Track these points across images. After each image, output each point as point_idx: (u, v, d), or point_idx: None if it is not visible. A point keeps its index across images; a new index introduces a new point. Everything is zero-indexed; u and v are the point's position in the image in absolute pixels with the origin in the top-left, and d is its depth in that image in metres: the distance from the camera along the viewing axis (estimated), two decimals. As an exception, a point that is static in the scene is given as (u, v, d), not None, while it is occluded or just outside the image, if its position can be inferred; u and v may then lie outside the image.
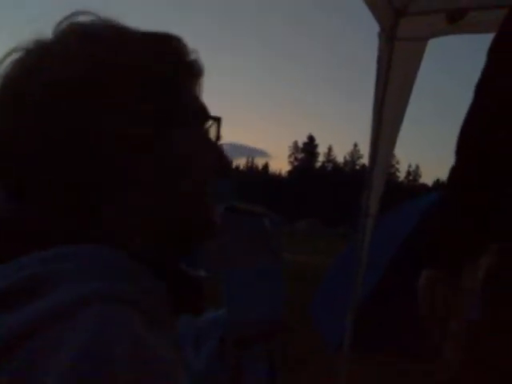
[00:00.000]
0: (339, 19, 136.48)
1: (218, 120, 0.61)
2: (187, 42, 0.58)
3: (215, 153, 0.61)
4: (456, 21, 2.51)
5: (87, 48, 0.53)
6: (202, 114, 0.61)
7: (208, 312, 2.15)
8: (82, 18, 0.56)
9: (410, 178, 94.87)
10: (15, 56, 0.55)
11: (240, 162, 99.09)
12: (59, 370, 0.38)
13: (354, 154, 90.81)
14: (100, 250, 0.49)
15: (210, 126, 0.61)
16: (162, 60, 0.56)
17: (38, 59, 0.53)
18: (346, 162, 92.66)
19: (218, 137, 0.62)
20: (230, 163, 0.62)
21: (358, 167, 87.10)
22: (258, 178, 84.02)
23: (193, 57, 0.58)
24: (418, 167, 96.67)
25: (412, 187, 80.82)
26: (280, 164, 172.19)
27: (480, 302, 1.40)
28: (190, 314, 0.61)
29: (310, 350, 4.73)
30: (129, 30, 0.57)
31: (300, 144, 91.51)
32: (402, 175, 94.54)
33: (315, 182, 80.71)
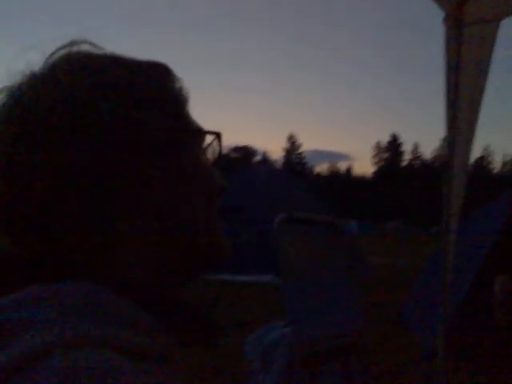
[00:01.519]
0: (414, 11, 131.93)
1: (218, 135, 0.59)
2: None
3: (209, 175, 0.58)
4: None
5: (81, 80, 0.50)
6: (200, 133, 0.58)
7: (277, 327, 2.10)
8: (78, 48, 0.54)
9: (507, 168, 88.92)
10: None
11: (322, 167, 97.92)
12: None
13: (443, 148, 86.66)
14: (79, 288, 0.45)
15: (211, 144, 0.59)
16: (158, 85, 0.54)
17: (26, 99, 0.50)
18: (434, 158, 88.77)
19: (220, 152, 0.60)
20: (222, 185, 0.59)
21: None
22: (342, 183, 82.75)
23: (181, 83, 0.57)
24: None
25: (509, 179, 75.59)
26: (363, 166, 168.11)
27: None
28: (199, 346, 0.55)
29: (403, 360, 4.50)
30: (123, 59, 0.55)
31: (383, 144, 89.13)
32: (497, 166, 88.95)
33: (403, 180, 77.99)
